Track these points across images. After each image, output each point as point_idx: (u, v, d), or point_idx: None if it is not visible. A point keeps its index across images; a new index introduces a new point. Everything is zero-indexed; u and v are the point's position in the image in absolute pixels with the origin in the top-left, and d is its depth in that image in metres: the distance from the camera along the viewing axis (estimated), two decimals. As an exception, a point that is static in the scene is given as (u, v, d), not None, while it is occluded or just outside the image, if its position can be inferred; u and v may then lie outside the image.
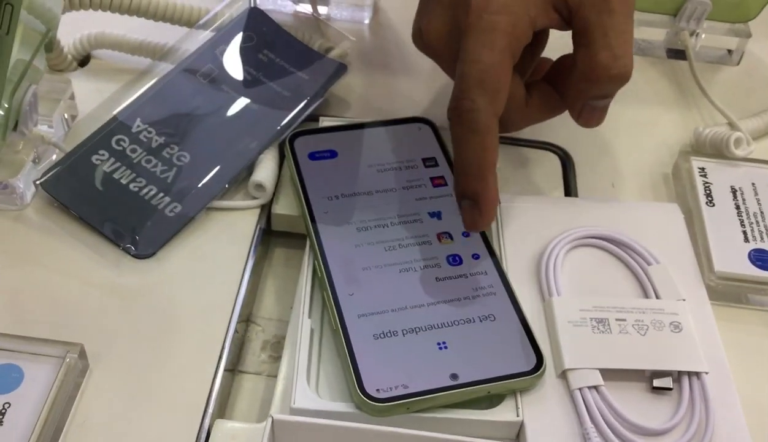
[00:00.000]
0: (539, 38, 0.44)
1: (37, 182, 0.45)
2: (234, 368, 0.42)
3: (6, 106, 0.41)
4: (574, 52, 0.42)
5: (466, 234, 0.43)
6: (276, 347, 0.43)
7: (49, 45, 0.45)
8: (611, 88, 0.43)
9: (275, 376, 0.40)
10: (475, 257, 0.42)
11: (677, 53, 0.59)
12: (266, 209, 0.47)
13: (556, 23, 0.42)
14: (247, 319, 0.44)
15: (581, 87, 0.43)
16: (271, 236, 0.48)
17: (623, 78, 0.41)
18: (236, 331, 0.41)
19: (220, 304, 0.42)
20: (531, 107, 0.45)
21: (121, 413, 0.37)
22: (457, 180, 0.41)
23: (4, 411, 0.35)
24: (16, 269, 0.42)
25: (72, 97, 0.49)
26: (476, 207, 0.41)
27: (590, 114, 0.44)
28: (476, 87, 0.40)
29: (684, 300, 0.41)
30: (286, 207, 0.47)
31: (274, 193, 0.47)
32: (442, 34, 0.43)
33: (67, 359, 0.37)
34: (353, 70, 0.53)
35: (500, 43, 0.40)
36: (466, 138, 0.40)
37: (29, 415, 0.35)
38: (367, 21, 0.61)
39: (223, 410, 0.40)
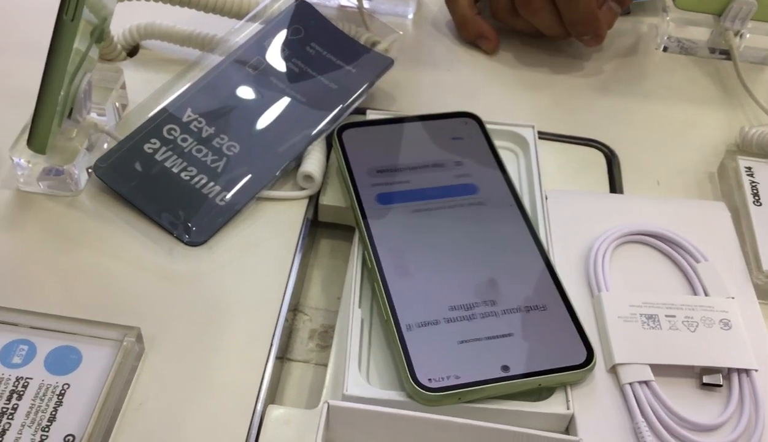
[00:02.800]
0: None
1: (91, 169, 0.46)
2: (283, 356, 0.42)
3: (62, 93, 0.42)
4: None
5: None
6: (323, 337, 0.44)
7: (101, 35, 0.46)
8: None
9: (323, 364, 0.40)
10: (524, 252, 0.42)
11: (721, 53, 0.59)
12: (313, 200, 0.47)
13: None
14: (294, 308, 0.44)
15: None
16: (316, 226, 0.48)
17: None
18: (285, 319, 0.42)
19: (270, 293, 0.42)
20: None
21: (177, 398, 0.38)
22: (575, 25, 0.56)
23: (63, 392, 0.36)
24: (71, 254, 0.43)
25: (123, 87, 0.50)
26: (596, 37, 0.57)
27: None
28: None
29: (733, 298, 0.41)
30: (333, 198, 0.47)
31: (321, 185, 0.47)
32: None
33: (125, 343, 0.37)
34: (398, 64, 0.53)
35: None
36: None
37: (88, 396, 0.36)
38: (410, 15, 0.61)
39: (272, 396, 0.40)
